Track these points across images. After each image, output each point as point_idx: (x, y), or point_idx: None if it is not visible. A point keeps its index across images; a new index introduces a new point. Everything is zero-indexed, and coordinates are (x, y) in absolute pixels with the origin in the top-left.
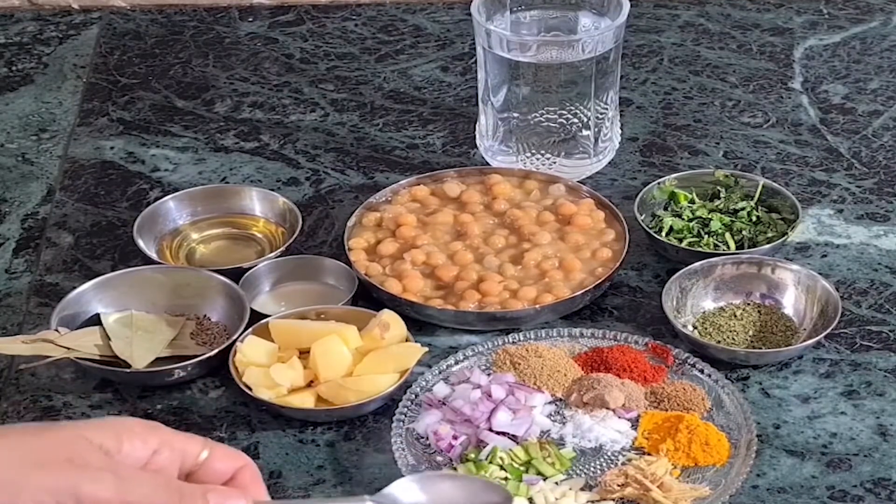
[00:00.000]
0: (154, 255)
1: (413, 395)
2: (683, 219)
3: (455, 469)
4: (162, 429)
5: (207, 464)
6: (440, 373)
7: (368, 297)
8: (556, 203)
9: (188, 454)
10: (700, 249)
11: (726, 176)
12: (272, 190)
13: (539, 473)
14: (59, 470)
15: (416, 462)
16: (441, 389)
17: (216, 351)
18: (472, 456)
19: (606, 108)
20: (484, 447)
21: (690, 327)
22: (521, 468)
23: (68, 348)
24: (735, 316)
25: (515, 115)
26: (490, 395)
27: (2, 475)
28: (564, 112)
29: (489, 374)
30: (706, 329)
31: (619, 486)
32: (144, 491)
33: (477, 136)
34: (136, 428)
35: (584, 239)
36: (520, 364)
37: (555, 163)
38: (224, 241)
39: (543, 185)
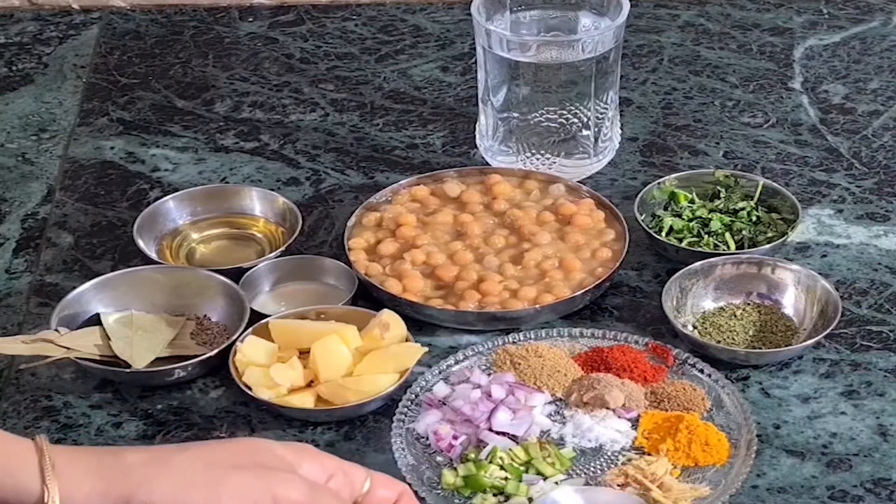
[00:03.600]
0: (154, 255)
1: (413, 395)
2: (683, 219)
3: (455, 469)
4: (334, 456)
5: (372, 492)
6: (440, 373)
7: (368, 297)
8: (556, 203)
9: (356, 482)
10: (700, 249)
11: (726, 176)
12: (272, 190)
13: (539, 473)
14: (254, 471)
15: (416, 462)
16: (441, 389)
17: (216, 351)
18: (472, 456)
19: (606, 108)
20: (484, 447)
21: (690, 327)
22: (521, 468)
23: (68, 348)
24: (735, 316)
25: (515, 115)
26: (490, 395)
27: (199, 475)
28: (564, 112)
29: (489, 374)
30: (706, 329)
31: (619, 486)
32: (330, 502)
33: (477, 136)
34: (314, 451)
35: (584, 239)
36: (520, 364)
37: (555, 163)
38: (224, 241)
39: (543, 185)
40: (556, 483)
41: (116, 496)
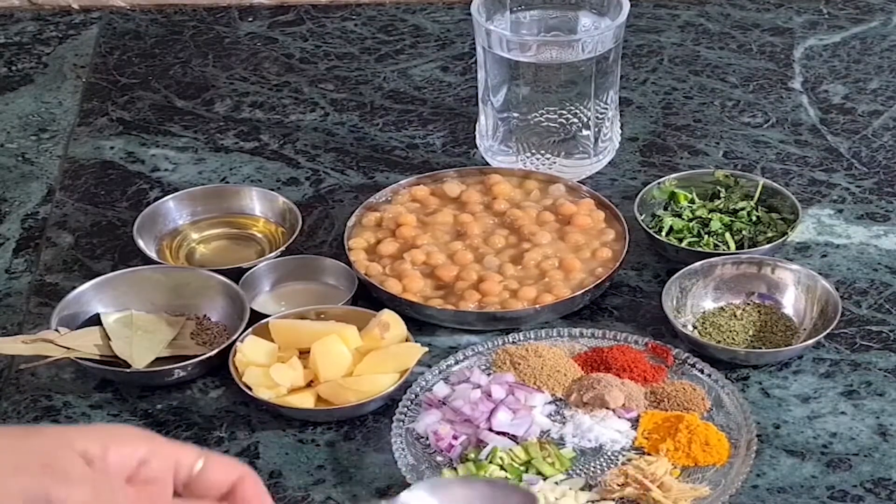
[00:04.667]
0: (154, 255)
1: (413, 395)
2: (683, 219)
3: (455, 469)
4: (154, 437)
5: (203, 475)
6: (440, 373)
7: (368, 297)
8: (556, 203)
9: (181, 464)
10: (700, 249)
11: (726, 176)
12: (272, 190)
13: (539, 473)
14: (33, 475)
15: (416, 462)
16: (441, 389)
17: (216, 351)
18: (472, 456)
19: (606, 108)
20: (484, 447)
21: (690, 327)
22: (521, 468)
23: (68, 348)
24: (735, 316)
25: (515, 115)
26: (490, 395)
27: None
28: (564, 112)
29: (489, 374)
30: (706, 329)
31: (618, 485)
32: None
33: (477, 136)
34: (126, 435)
35: (584, 239)
36: (520, 364)
37: (555, 163)
38: (224, 241)
39: (543, 185)
40: (557, 483)
41: None
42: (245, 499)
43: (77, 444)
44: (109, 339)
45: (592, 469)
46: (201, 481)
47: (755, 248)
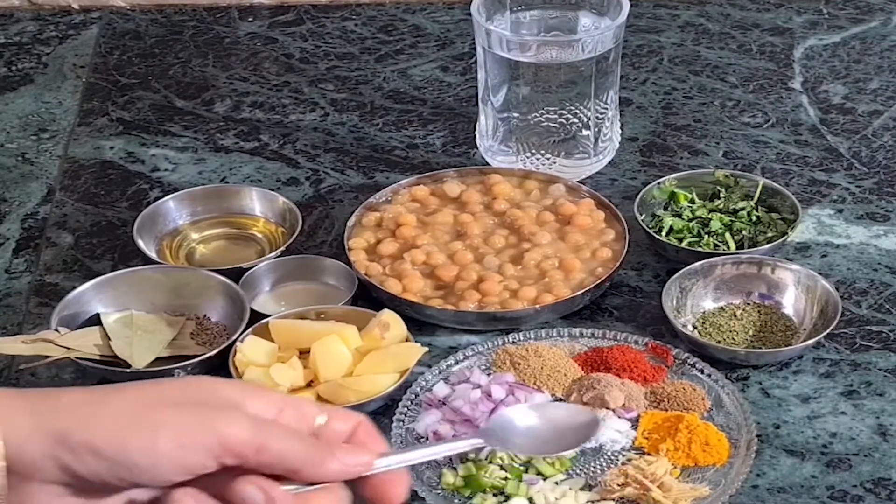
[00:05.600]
0: (154, 255)
1: (413, 395)
2: (683, 219)
3: (455, 469)
4: (281, 392)
5: (327, 426)
6: (440, 373)
7: (368, 297)
8: (556, 203)
9: (308, 417)
10: (700, 249)
11: (726, 176)
12: (272, 190)
13: (539, 473)
14: (195, 410)
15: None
16: (441, 389)
17: (216, 351)
18: (472, 456)
19: (606, 108)
20: (484, 447)
21: (690, 327)
22: (521, 468)
23: (68, 348)
24: (735, 316)
25: (515, 115)
26: (490, 395)
27: (137, 415)
28: (564, 112)
29: (489, 374)
30: (706, 329)
31: (618, 485)
32: (280, 436)
33: (477, 136)
34: (259, 388)
35: (584, 239)
36: (520, 364)
37: (555, 163)
38: (224, 241)
39: (543, 185)
40: (557, 483)
41: (54, 434)
42: (364, 441)
43: (220, 389)
44: (109, 339)
45: (592, 469)
46: (328, 430)
47: (755, 248)
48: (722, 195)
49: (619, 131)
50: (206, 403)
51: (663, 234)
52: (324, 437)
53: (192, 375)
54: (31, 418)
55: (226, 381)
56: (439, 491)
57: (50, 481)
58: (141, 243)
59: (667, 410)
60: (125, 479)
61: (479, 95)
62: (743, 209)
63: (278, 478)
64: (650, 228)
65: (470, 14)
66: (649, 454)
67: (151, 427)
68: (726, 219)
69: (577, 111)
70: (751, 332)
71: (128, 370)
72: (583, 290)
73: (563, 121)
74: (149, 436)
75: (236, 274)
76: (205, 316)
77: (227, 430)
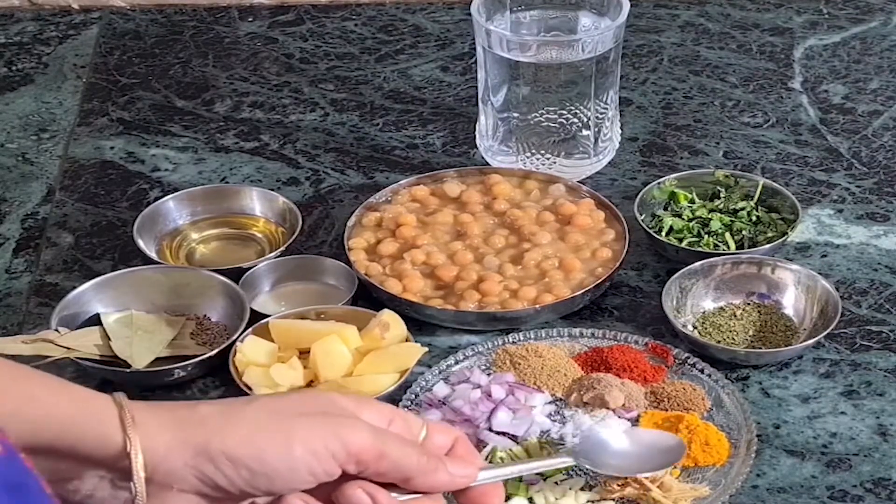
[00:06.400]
0: (154, 255)
1: (413, 395)
2: (683, 219)
3: None
4: (390, 405)
5: (429, 438)
6: (440, 373)
7: (368, 297)
8: (556, 203)
9: (413, 428)
10: (700, 249)
11: (726, 176)
12: (272, 190)
13: (539, 473)
14: (320, 418)
15: None
16: (441, 389)
17: (216, 351)
18: None
19: (606, 108)
20: (484, 447)
21: (690, 327)
22: None
23: (68, 348)
24: (735, 316)
25: (515, 115)
26: (490, 395)
27: (270, 423)
28: (564, 112)
29: (489, 374)
30: (706, 329)
31: (618, 486)
32: (398, 445)
33: (477, 136)
34: (371, 400)
35: (584, 239)
36: (520, 364)
37: (555, 163)
38: (224, 241)
39: (543, 185)
40: (557, 483)
41: (194, 445)
42: (462, 456)
43: (337, 400)
44: (109, 339)
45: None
46: (430, 443)
47: (755, 248)
48: (722, 195)
49: (619, 131)
50: (329, 413)
51: (663, 234)
52: (427, 449)
53: (310, 389)
54: (171, 430)
55: (341, 394)
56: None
57: (187, 490)
58: (141, 243)
59: (667, 410)
60: (260, 487)
61: (479, 95)
62: (743, 209)
63: (383, 487)
64: (650, 228)
65: (470, 14)
66: None
67: (285, 436)
68: (726, 219)
69: (577, 111)
70: (751, 332)
71: (128, 370)
72: (583, 290)
73: (563, 121)
74: (284, 444)
75: (236, 274)
76: (205, 316)
77: (352, 438)
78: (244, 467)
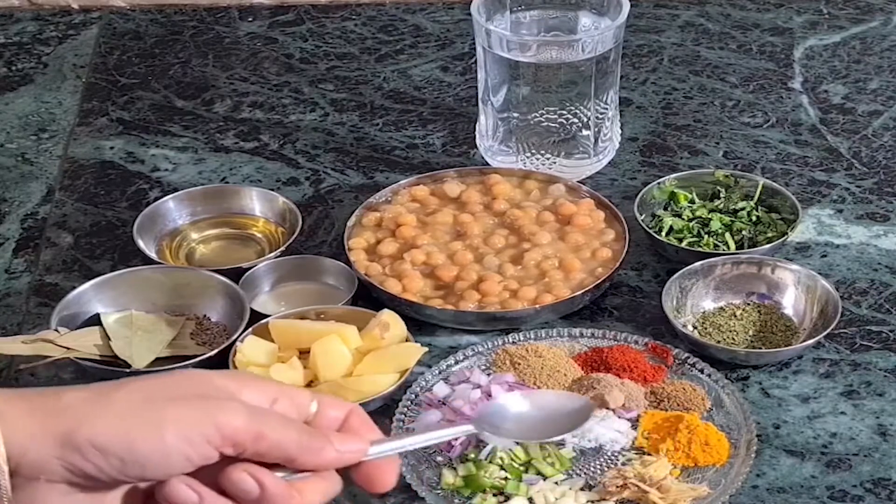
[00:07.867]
0: (154, 255)
1: (413, 395)
2: (683, 219)
3: (455, 469)
4: (274, 381)
5: (319, 413)
6: (440, 373)
7: (368, 297)
8: (556, 203)
9: (302, 405)
10: (700, 249)
11: (726, 176)
12: (272, 190)
13: (539, 473)
14: (194, 402)
15: (416, 462)
16: (441, 389)
17: (216, 351)
18: (472, 456)
19: (606, 108)
20: (484, 447)
21: (690, 327)
22: (521, 468)
23: (68, 348)
24: (735, 316)
25: (515, 115)
26: (490, 395)
27: (140, 409)
28: (564, 112)
29: (489, 374)
30: (706, 329)
31: (618, 486)
32: (276, 425)
33: (477, 136)
34: (253, 377)
35: (584, 239)
36: (520, 364)
37: (555, 163)
38: (224, 241)
39: (543, 185)
40: (557, 483)
41: (59, 434)
42: (356, 428)
43: (215, 380)
44: (109, 339)
45: (592, 469)
46: (319, 420)
47: (755, 248)
48: (722, 195)
49: (619, 131)
50: (204, 395)
51: (663, 234)
52: (317, 424)
53: (186, 370)
54: (33, 419)
55: (220, 372)
56: (439, 491)
57: (56, 480)
58: (141, 243)
59: (667, 410)
60: (133, 475)
61: (479, 95)
62: (743, 209)
63: (271, 466)
64: (650, 228)
65: (470, 14)
66: (649, 454)
67: (156, 423)
68: (726, 219)
69: (577, 111)
70: (751, 332)
71: (128, 370)
72: (583, 290)
73: (563, 121)
74: (154, 430)
75: (236, 274)
76: (205, 316)
77: (225, 421)
78: (114, 456)
